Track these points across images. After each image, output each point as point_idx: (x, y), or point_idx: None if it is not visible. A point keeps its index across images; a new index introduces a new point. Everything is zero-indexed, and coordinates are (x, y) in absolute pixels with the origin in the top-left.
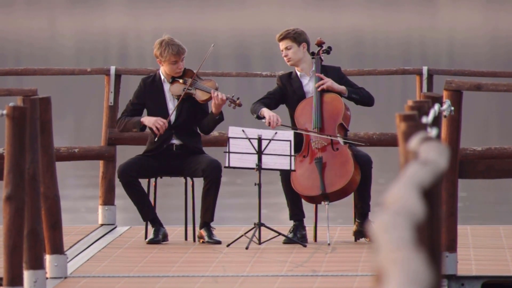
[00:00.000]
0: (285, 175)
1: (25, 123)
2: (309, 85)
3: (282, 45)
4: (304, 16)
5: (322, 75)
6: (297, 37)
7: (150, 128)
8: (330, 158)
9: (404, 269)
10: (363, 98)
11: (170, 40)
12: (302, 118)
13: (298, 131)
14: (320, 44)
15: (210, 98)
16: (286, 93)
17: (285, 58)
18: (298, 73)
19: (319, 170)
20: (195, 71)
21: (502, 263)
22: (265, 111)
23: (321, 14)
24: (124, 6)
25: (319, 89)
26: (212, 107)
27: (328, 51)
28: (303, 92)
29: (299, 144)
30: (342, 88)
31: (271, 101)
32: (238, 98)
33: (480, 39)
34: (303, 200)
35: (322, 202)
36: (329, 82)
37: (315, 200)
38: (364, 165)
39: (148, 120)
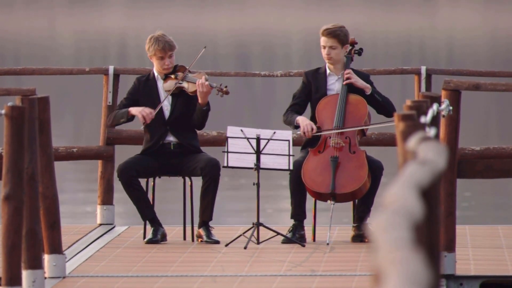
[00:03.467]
0: (295, 173)
1: (24, 122)
2: (335, 84)
3: (327, 42)
4: (303, 16)
5: (350, 71)
6: (344, 38)
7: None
8: (346, 159)
9: (402, 269)
10: (385, 103)
11: (160, 36)
12: (324, 113)
13: (324, 132)
14: (353, 43)
15: None
16: (311, 89)
17: (325, 55)
18: (328, 71)
19: (333, 169)
20: (187, 67)
21: (500, 263)
22: (299, 120)
23: (320, 14)
24: (123, 5)
25: (345, 81)
26: (198, 97)
27: (360, 52)
28: (325, 89)
29: (315, 138)
30: (366, 85)
31: (300, 106)
32: (226, 86)
33: (479, 39)
34: (306, 201)
35: (328, 201)
36: (355, 77)
37: (321, 197)
38: (375, 171)
39: (135, 109)
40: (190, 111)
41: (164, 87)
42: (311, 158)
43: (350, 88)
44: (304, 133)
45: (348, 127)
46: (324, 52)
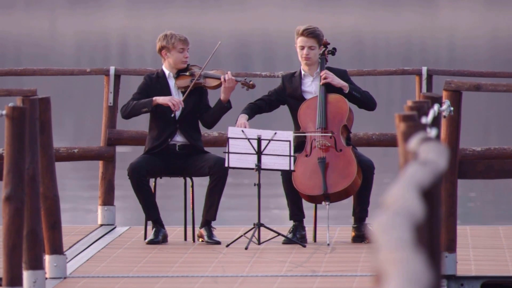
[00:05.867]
0: (286, 175)
1: (25, 123)
2: (311, 85)
3: (306, 42)
4: (304, 17)
5: (326, 71)
6: (322, 39)
7: (159, 110)
8: (333, 158)
9: (403, 269)
10: (365, 98)
11: (174, 32)
12: (306, 117)
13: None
14: (325, 44)
15: (220, 84)
16: (286, 93)
17: (303, 56)
18: (303, 73)
19: (322, 170)
20: (201, 66)
21: (501, 263)
22: (239, 118)
23: (321, 15)
24: (124, 6)
25: (322, 81)
26: (221, 92)
27: (333, 52)
28: (300, 91)
29: (301, 143)
30: (343, 83)
31: (265, 102)
32: (250, 80)
33: (480, 39)
34: (303, 200)
35: (323, 202)
36: (332, 76)
37: (316, 199)
38: (366, 170)
39: (162, 98)
40: (200, 110)
41: (177, 84)
42: (299, 163)
43: (328, 88)
44: None
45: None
46: (303, 52)
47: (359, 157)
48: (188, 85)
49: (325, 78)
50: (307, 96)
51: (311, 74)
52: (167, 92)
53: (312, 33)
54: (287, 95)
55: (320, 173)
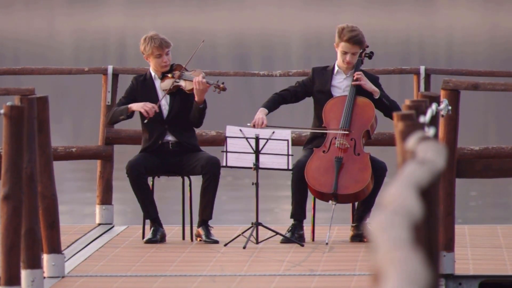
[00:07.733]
0: (297, 173)
1: (23, 122)
2: (342, 83)
3: (351, 49)
4: (302, 16)
5: (361, 73)
6: (365, 44)
7: (141, 113)
8: (350, 161)
9: (401, 268)
10: (393, 107)
11: (154, 35)
12: (331, 114)
13: (285, 129)
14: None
15: None
16: (314, 86)
17: (347, 61)
18: (336, 68)
19: (336, 170)
20: (184, 65)
21: (499, 262)
22: (258, 112)
23: (320, 14)
24: (122, 5)
25: (354, 81)
26: (195, 94)
27: (370, 56)
28: (329, 86)
29: (315, 137)
30: (374, 89)
31: (290, 94)
32: (223, 83)
33: (478, 38)
34: (307, 202)
35: (330, 201)
36: (365, 79)
37: (323, 197)
38: (378, 171)
39: (136, 105)
40: (187, 109)
41: (161, 87)
42: (315, 157)
43: (359, 90)
44: (254, 125)
45: (349, 135)
46: (345, 57)
47: (373, 159)
48: (170, 88)
49: (357, 80)
50: (335, 92)
51: (345, 72)
52: (154, 94)
53: (358, 42)
54: (315, 88)
55: (334, 172)
